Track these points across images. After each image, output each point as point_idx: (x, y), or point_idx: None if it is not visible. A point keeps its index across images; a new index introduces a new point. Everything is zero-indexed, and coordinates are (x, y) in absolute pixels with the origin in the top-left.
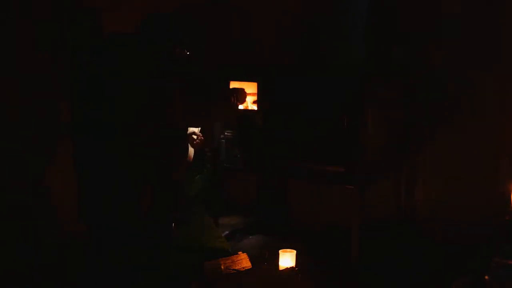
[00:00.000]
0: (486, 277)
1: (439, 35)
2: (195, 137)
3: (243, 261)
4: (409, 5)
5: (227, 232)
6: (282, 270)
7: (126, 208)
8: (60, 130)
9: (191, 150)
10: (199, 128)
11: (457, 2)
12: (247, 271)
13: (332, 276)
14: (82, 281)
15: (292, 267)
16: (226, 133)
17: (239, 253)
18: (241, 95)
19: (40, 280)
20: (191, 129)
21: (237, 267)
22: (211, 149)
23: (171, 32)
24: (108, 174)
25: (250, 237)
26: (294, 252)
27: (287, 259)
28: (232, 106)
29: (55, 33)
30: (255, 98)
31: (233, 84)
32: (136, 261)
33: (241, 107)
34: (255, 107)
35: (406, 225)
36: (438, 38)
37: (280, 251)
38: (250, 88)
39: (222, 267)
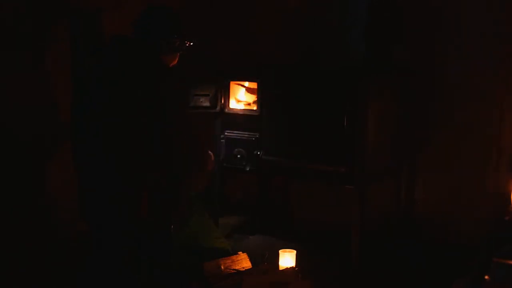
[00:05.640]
0: (486, 277)
1: (440, 34)
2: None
3: (243, 261)
4: (409, 4)
5: (227, 232)
6: (282, 270)
7: (126, 208)
8: (60, 130)
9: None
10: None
11: (458, 1)
12: (247, 271)
13: (332, 276)
14: (82, 281)
15: (292, 267)
16: (226, 133)
17: (239, 253)
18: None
19: (40, 280)
20: None
21: (237, 267)
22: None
23: (171, 24)
24: (107, 175)
25: (250, 237)
26: (294, 252)
27: (287, 259)
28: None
29: (56, 32)
30: (255, 98)
31: (233, 85)
32: (136, 262)
33: (241, 106)
34: (255, 107)
35: (406, 225)
36: (438, 37)
37: (280, 251)
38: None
39: (222, 267)
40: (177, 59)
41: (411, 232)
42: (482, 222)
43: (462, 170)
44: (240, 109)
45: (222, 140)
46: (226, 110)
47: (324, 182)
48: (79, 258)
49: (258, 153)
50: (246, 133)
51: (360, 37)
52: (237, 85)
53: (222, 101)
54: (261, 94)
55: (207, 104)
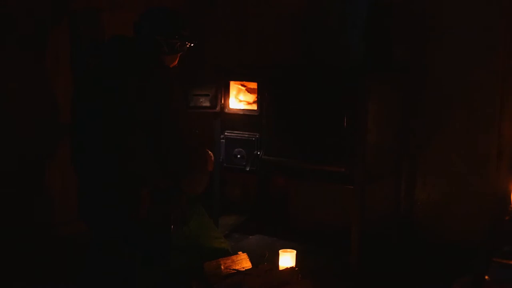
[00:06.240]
0: (486, 277)
1: (439, 34)
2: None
3: (243, 261)
4: (409, 4)
5: (227, 232)
6: (282, 270)
7: (126, 208)
8: (60, 130)
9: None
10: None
11: (458, 2)
12: (247, 271)
13: (332, 276)
14: (82, 281)
15: (292, 267)
16: (226, 133)
17: (239, 253)
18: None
19: (40, 279)
20: None
21: (237, 267)
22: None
23: (171, 25)
24: (107, 175)
25: (250, 237)
26: (294, 252)
27: (287, 259)
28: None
29: (56, 32)
30: (255, 98)
31: (233, 85)
32: (136, 262)
33: (241, 106)
34: (255, 107)
35: (406, 225)
36: (438, 38)
37: (280, 251)
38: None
39: (222, 267)
40: (177, 59)
41: (411, 232)
42: (482, 222)
43: (462, 170)
44: (240, 109)
45: (222, 140)
46: (226, 110)
47: (324, 182)
48: (79, 258)
49: (258, 153)
50: (246, 133)
51: (360, 37)
52: (237, 85)
53: (222, 101)
54: (261, 94)
55: (207, 104)
